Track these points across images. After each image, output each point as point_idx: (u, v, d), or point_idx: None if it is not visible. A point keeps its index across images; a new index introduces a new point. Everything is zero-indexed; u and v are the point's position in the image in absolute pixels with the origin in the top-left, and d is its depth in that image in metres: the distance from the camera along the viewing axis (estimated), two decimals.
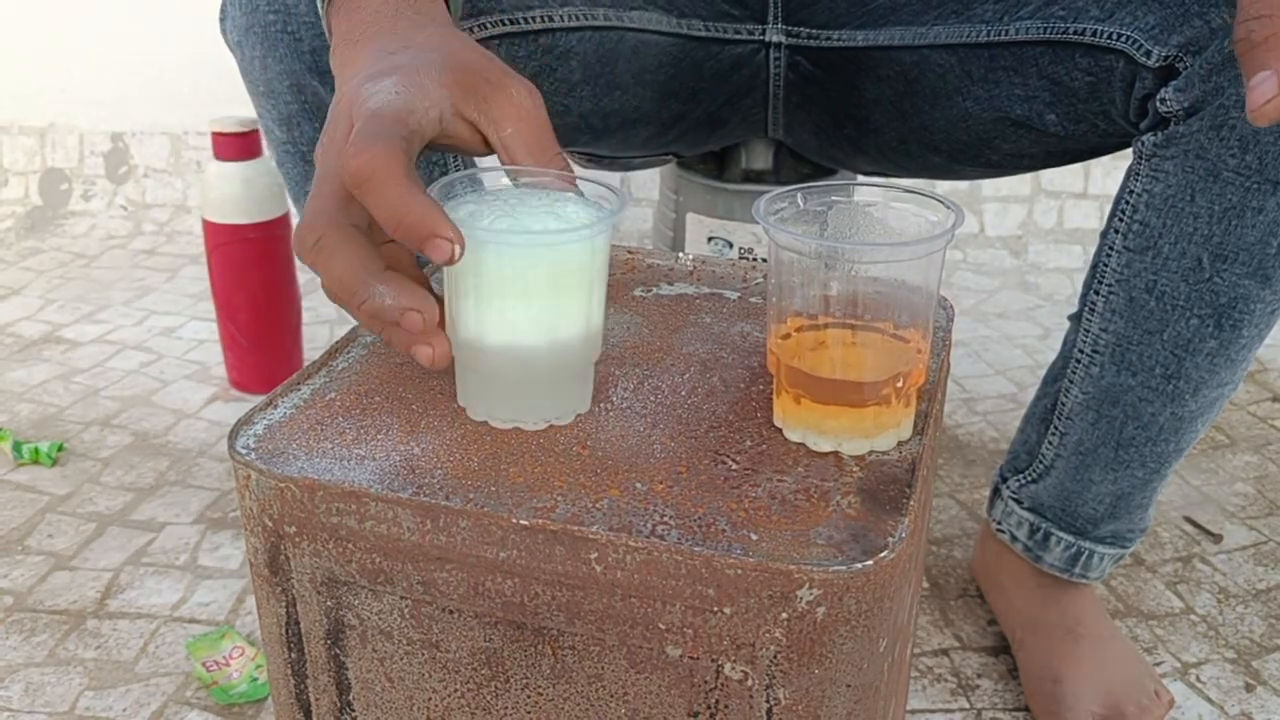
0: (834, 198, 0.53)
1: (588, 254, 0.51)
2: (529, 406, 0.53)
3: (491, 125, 0.54)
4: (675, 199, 1.14)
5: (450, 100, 0.52)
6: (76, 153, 2.03)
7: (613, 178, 1.90)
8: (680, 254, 0.72)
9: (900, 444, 0.52)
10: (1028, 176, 1.88)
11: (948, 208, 0.51)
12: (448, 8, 0.62)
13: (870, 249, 0.50)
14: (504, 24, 0.80)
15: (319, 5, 0.61)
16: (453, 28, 0.59)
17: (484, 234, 0.49)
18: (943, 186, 1.85)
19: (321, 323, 1.61)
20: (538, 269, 0.50)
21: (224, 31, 0.79)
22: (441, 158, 0.80)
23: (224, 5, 0.78)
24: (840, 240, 0.52)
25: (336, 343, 0.61)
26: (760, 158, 1.07)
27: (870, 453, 0.52)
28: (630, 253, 0.73)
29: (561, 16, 0.83)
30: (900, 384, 0.50)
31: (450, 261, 0.48)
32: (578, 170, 0.59)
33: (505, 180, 0.55)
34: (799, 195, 0.53)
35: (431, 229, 0.47)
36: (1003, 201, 1.90)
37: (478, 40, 0.80)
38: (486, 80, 0.54)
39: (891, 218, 0.53)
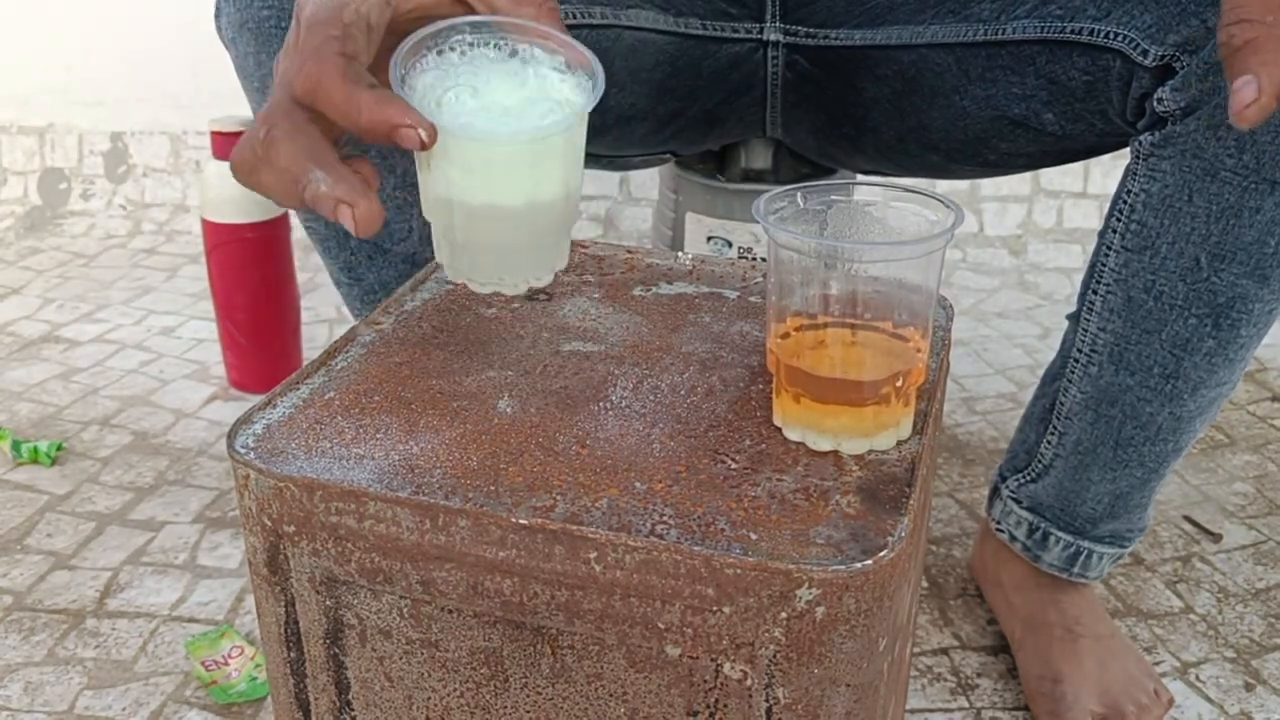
0: (834, 197, 0.53)
1: (565, 132, 0.49)
2: (509, 266, 0.52)
3: None
4: (675, 198, 1.14)
5: None
6: (76, 152, 2.03)
7: (613, 178, 1.90)
8: (679, 253, 0.72)
9: (900, 443, 0.52)
10: (1027, 176, 1.88)
11: (948, 207, 0.51)
12: None
13: (870, 248, 0.50)
14: None
15: None
16: None
17: (456, 127, 0.48)
18: (942, 186, 1.85)
19: (321, 322, 1.61)
20: (513, 151, 0.48)
21: (219, 28, 0.79)
22: None
23: (219, 2, 0.78)
24: (840, 239, 0.52)
25: (335, 342, 0.61)
26: (759, 157, 1.07)
27: (870, 452, 0.52)
28: (630, 252, 0.73)
29: None
30: (900, 383, 0.50)
31: (423, 146, 0.47)
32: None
33: (468, 37, 0.51)
34: (799, 194, 0.53)
35: (389, 122, 0.47)
36: (1002, 201, 1.89)
37: None
38: None
39: (891, 217, 0.53)
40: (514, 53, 0.51)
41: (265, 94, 0.78)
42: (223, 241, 1.34)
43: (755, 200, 0.51)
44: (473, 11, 0.53)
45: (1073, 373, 0.84)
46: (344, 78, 0.48)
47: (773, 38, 0.92)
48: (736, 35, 0.92)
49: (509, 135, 0.48)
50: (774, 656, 0.46)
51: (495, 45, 0.51)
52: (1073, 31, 0.78)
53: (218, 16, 0.78)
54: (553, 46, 0.52)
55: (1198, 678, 0.97)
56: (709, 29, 0.91)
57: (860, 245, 0.51)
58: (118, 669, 0.96)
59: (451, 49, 0.51)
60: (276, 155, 0.49)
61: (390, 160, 0.76)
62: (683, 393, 0.57)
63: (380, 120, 0.47)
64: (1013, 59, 0.82)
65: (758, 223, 0.50)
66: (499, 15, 0.52)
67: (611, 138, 0.95)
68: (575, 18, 0.84)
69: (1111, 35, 0.76)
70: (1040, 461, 0.90)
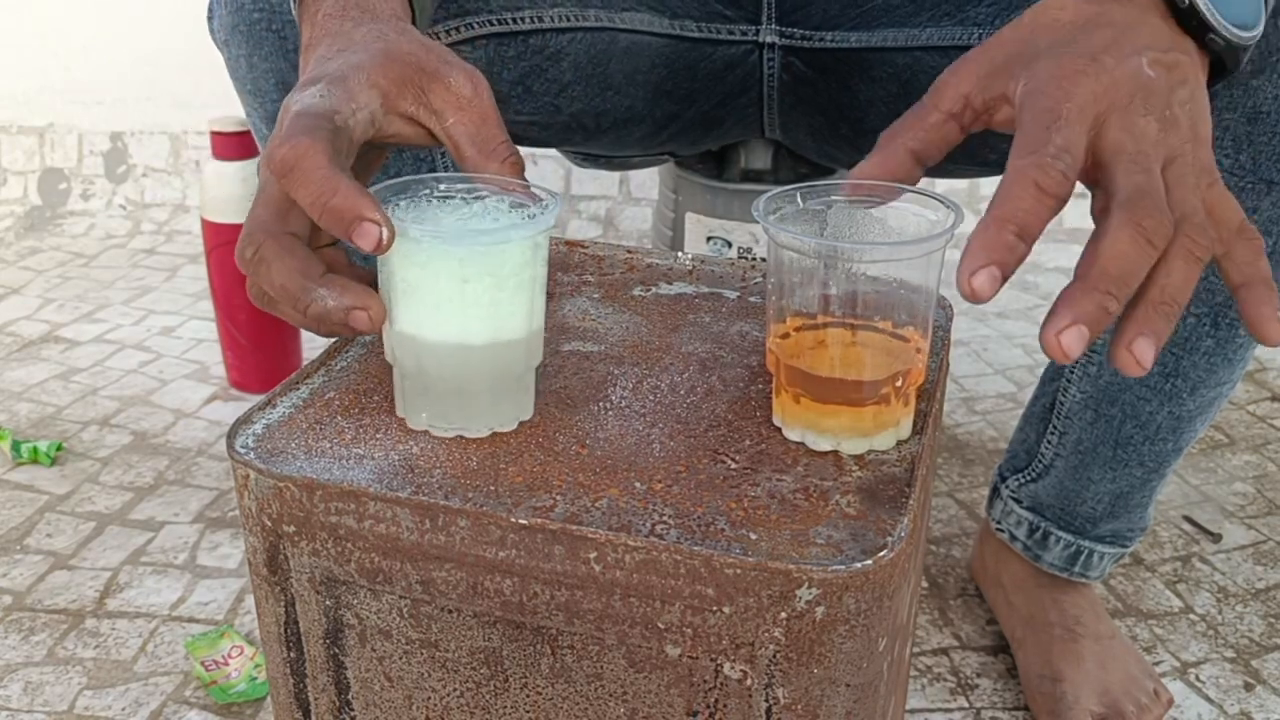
0: (834, 197, 0.53)
1: (529, 251, 0.50)
2: (471, 412, 0.52)
3: (433, 117, 0.53)
4: (674, 199, 1.14)
5: (381, 99, 0.52)
6: (75, 152, 2.03)
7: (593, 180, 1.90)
8: (679, 253, 0.72)
9: (899, 443, 0.52)
10: None
11: (947, 207, 0.51)
12: (410, 2, 0.61)
13: (870, 248, 0.50)
14: (492, 24, 0.80)
15: (292, 8, 0.61)
16: (398, 21, 0.57)
17: (419, 232, 0.48)
18: (942, 186, 1.85)
19: None
20: (476, 268, 0.49)
21: (211, 30, 0.79)
22: (429, 155, 0.79)
23: (211, 4, 0.78)
24: (839, 239, 0.52)
25: (335, 342, 0.61)
26: (759, 157, 1.07)
27: (869, 452, 0.52)
28: (629, 252, 0.73)
29: (552, 17, 0.83)
30: (899, 383, 0.50)
31: (379, 249, 0.47)
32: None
33: (440, 188, 0.54)
34: (798, 194, 0.53)
35: (357, 212, 0.47)
36: None
37: (464, 40, 0.80)
38: (422, 71, 0.53)
39: (891, 217, 0.53)
40: (481, 198, 0.53)
41: (257, 97, 0.78)
42: (223, 241, 1.34)
43: (755, 200, 0.51)
44: (440, 145, 0.55)
45: (1072, 372, 0.84)
46: (330, 158, 0.48)
47: (769, 40, 0.92)
48: (732, 37, 0.92)
49: (463, 236, 0.49)
50: (774, 656, 0.46)
51: (463, 197, 0.53)
52: None
53: (209, 19, 0.78)
54: (518, 196, 0.53)
55: (1198, 678, 0.97)
56: (705, 31, 0.91)
57: (860, 245, 0.51)
58: (118, 669, 0.96)
59: (419, 197, 0.53)
60: (269, 276, 0.50)
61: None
62: (683, 393, 0.57)
63: (349, 207, 0.47)
64: None
65: (758, 223, 0.50)
66: (466, 170, 0.54)
67: (609, 139, 0.95)
68: (569, 20, 0.84)
69: None
70: (1040, 461, 0.90)
